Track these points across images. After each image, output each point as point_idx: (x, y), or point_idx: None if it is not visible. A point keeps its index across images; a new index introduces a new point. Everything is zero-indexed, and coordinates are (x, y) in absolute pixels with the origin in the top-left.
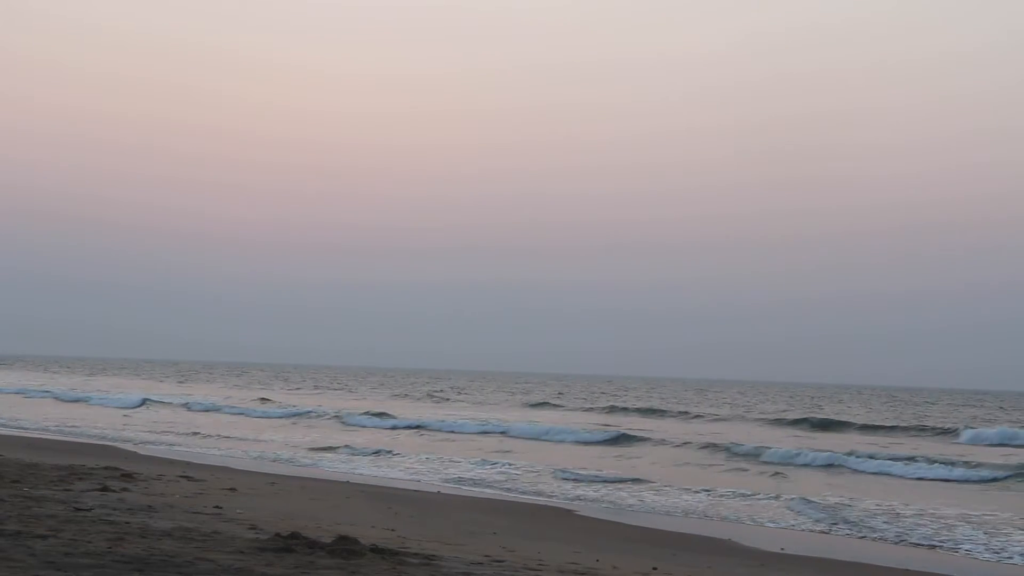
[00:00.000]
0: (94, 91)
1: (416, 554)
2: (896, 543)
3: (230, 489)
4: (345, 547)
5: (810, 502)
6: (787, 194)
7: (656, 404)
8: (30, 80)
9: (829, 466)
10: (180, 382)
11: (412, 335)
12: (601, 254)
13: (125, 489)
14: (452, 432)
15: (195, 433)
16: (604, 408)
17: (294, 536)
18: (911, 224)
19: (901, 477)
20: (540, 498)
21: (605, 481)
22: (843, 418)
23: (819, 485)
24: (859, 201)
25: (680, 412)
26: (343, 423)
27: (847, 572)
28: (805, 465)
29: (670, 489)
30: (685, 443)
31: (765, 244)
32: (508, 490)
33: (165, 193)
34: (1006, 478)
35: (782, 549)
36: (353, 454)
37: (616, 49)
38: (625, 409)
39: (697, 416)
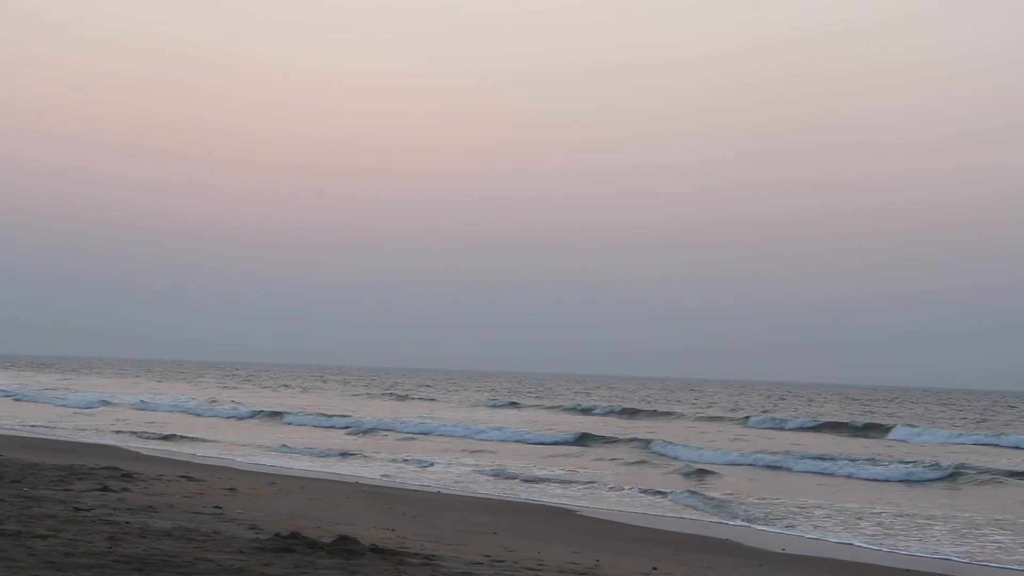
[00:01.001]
0: (93, 91)
1: (416, 554)
2: (759, 526)
3: (230, 489)
4: (345, 547)
5: (699, 496)
6: (788, 195)
7: (635, 404)
8: (29, 80)
9: (750, 465)
10: (159, 381)
11: (412, 335)
12: (601, 255)
13: (125, 489)
14: (389, 431)
15: (131, 432)
16: (570, 408)
17: (294, 536)
18: (912, 225)
19: (806, 473)
20: (541, 498)
21: (531, 480)
22: (798, 417)
23: (727, 481)
24: (860, 202)
25: (649, 411)
26: (284, 422)
27: (847, 572)
28: (731, 464)
29: (579, 486)
30: (623, 441)
31: (766, 245)
32: (426, 487)
33: (165, 193)
34: (928, 479)
35: (783, 549)
36: (283, 452)
37: (616, 51)
38: (591, 409)
39: (665, 414)
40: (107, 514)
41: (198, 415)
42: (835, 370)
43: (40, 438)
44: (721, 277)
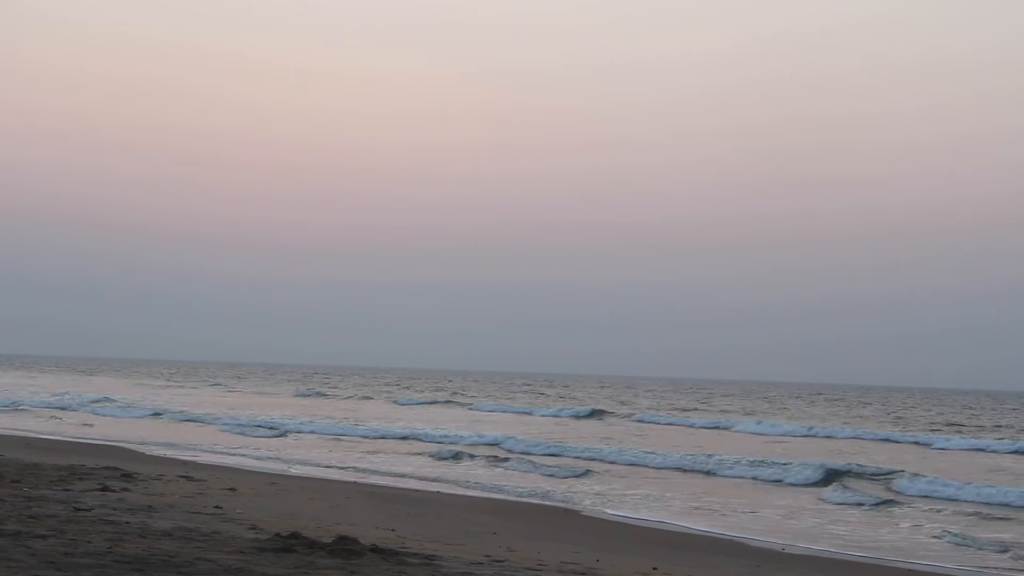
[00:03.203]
0: (92, 93)
1: (416, 554)
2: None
3: (230, 489)
4: (345, 547)
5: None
6: (791, 196)
7: (554, 402)
8: (28, 81)
9: (551, 455)
10: (129, 380)
11: (412, 337)
12: (603, 256)
13: (125, 489)
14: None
15: None
16: (478, 408)
17: (294, 536)
18: (913, 226)
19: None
20: (542, 499)
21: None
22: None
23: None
24: (865, 204)
25: (550, 408)
26: (160, 418)
27: (846, 571)
28: (547, 454)
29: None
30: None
31: (773, 246)
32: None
33: (166, 194)
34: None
35: (784, 548)
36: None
37: (619, 52)
38: (486, 407)
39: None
40: (107, 514)
41: (71, 410)
42: (847, 372)
43: (40, 438)
44: (724, 279)
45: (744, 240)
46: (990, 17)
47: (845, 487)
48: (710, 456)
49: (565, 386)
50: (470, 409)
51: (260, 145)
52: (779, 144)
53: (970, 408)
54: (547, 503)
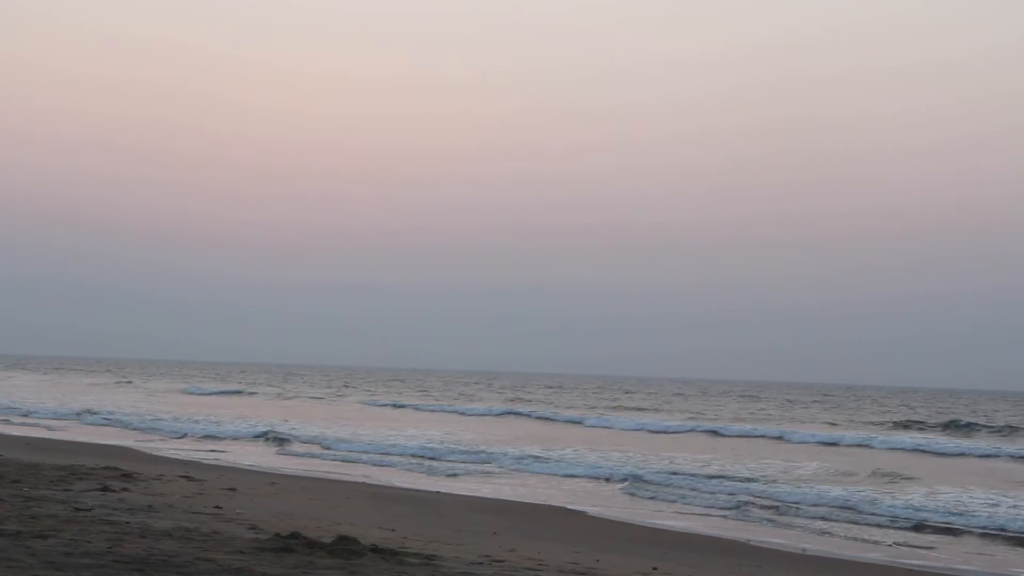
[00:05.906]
0: (93, 94)
1: (416, 554)
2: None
3: (230, 489)
4: (345, 547)
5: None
6: (796, 197)
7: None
8: (28, 82)
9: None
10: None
11: (414, 338)
12: (604, 257)
13: (125, 489)
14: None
15: None
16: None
17: (294, 536)
18: (919, 228)
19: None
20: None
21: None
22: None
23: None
24: (869, 204)
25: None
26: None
27: (846, 571)
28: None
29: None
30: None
31: (774, 247)
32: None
33: (164, 196)
34: None
35: (803, 550)
36: None
37: (619, 53)
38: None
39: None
40: (107, 514)
41: None
42: (855, 373)
43: (40, 438)
44: (727, 280)
45: (745, 242)
46: (991, 19)
47: (630, 479)
48: (492, 450)
49: (549, 387)
50: (362, 404)
51: (260, 146)
52: (780, 146)
53: (910, 404)
54: (547, 503)
